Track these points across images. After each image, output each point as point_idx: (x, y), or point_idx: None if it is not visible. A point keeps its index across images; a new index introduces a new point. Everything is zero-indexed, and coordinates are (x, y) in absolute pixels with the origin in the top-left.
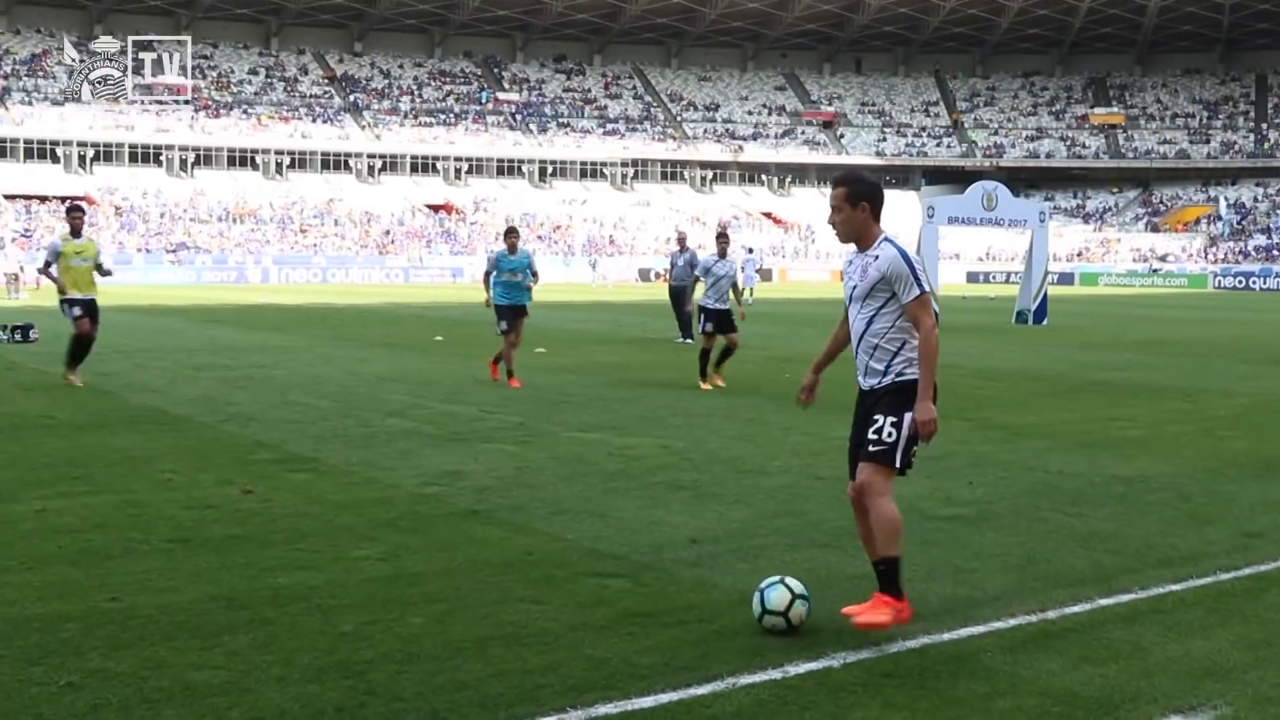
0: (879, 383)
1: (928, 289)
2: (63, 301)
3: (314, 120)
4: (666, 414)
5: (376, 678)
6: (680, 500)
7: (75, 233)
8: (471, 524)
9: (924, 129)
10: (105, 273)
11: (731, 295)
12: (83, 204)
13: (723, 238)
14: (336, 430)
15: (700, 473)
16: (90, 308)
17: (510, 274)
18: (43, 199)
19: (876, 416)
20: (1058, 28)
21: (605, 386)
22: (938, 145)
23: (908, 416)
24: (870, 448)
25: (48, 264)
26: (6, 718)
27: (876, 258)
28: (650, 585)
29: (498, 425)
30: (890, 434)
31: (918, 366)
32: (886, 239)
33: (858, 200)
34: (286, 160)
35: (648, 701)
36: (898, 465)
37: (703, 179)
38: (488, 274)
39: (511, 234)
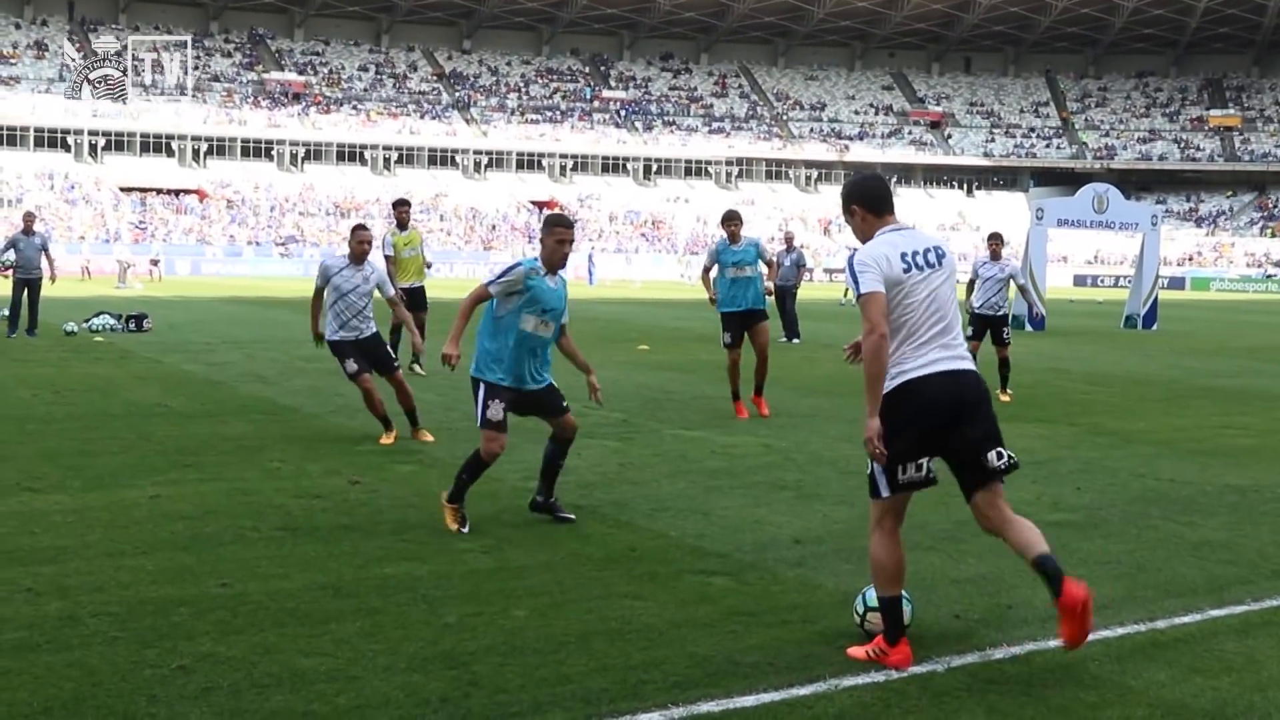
0: None
1: (868, 289)
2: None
3: (422, 117)
4: (771, 412)
5: (480, 669)
6: (783, 500)
7: (402, 225)
8: (577, 519)
9: (1033, 130)
10: (427, 264)
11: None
12: (408, 198)
13: (995, 239)
14: (441, 423)
15: (803, 473)
16: (417, 296)
17: (736, 268)
18: (157, 191)
19: None
20: (1173, 28)
21: (708, 384)
22: (1047, 146)
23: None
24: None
25: (387, 258)
26: (122, 698)
27: None
28: (753, 584)
29: (600, 421)
30: (871, 465)
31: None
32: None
33: (848, 206)
34: (394, 156)
35: (750, 700)
36: (881, 493)
37: (807, 178)
38: (707, 269)
39: (731, 219)
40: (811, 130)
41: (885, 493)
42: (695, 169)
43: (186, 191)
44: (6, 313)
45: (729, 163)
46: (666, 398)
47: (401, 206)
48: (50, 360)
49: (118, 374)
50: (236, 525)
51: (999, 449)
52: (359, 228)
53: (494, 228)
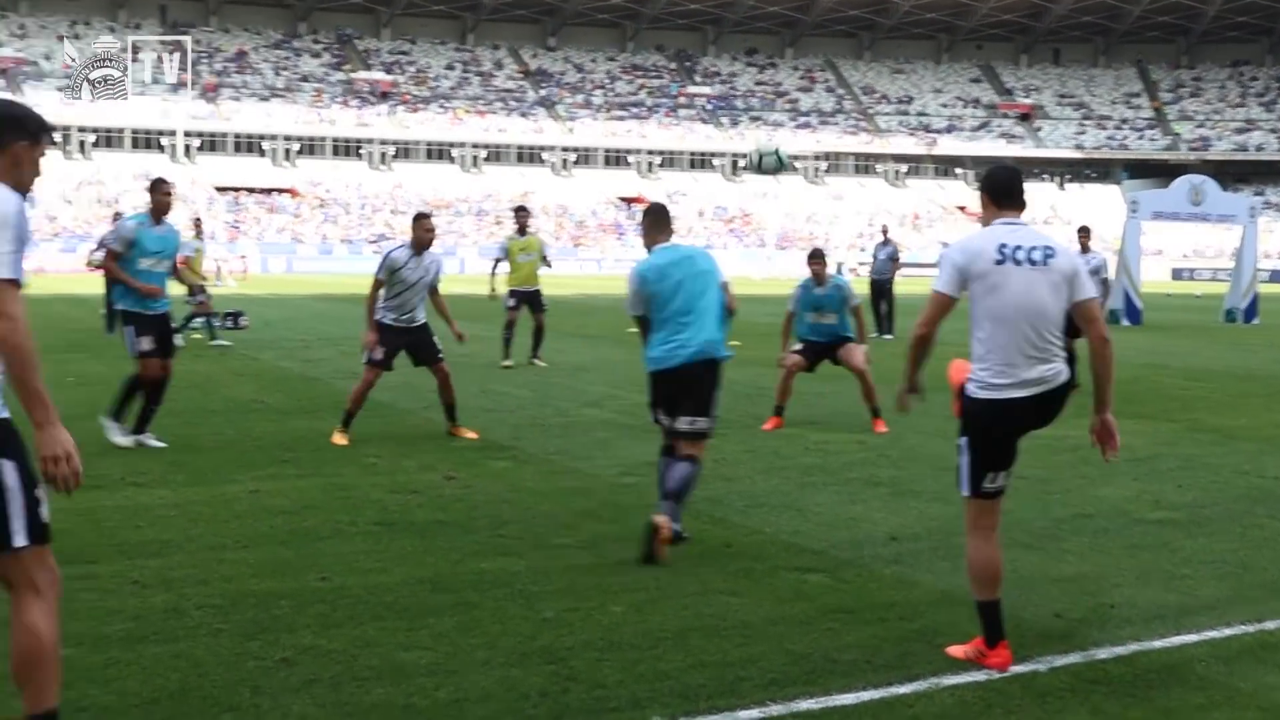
0: None
1: (937, 286)
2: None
3: (509, 114)
4: (864, 409)
5: (578, 664)
6: (879, 496)
7: (521, 230)
8: None
9: (1125, 121)
10: (547, 264)
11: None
12: (527, 206)
13: (1084, 232)
14: (535, 419)
15: (899, 469)
16: (533, 299)
17: (818, 313)
18: (249, 191)
19: None
20: (1268, 15)
21: (800, 380)
22: (1139, 138)
23: (964, 439)
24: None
25: (498, 261)
26: (227, 689)
27: None
28: (850, 581)
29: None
30: (958, 464)
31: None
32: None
33: (981, 194)
34: (482, 154)
35: (849, 698)
36: (966, 491)
37: (896, 172)
38: (791, 317)
39: (816, 258)
40: (899, 124)
41: (966, 490)
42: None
43: (279, 190)
44: (103, 311)
45: (816, 157)
46: (759, 393)
47: (522, 213)
48: None
49: (216, 371)
50: (334, 520)
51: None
52: (423, 216)
53: (582, 224)
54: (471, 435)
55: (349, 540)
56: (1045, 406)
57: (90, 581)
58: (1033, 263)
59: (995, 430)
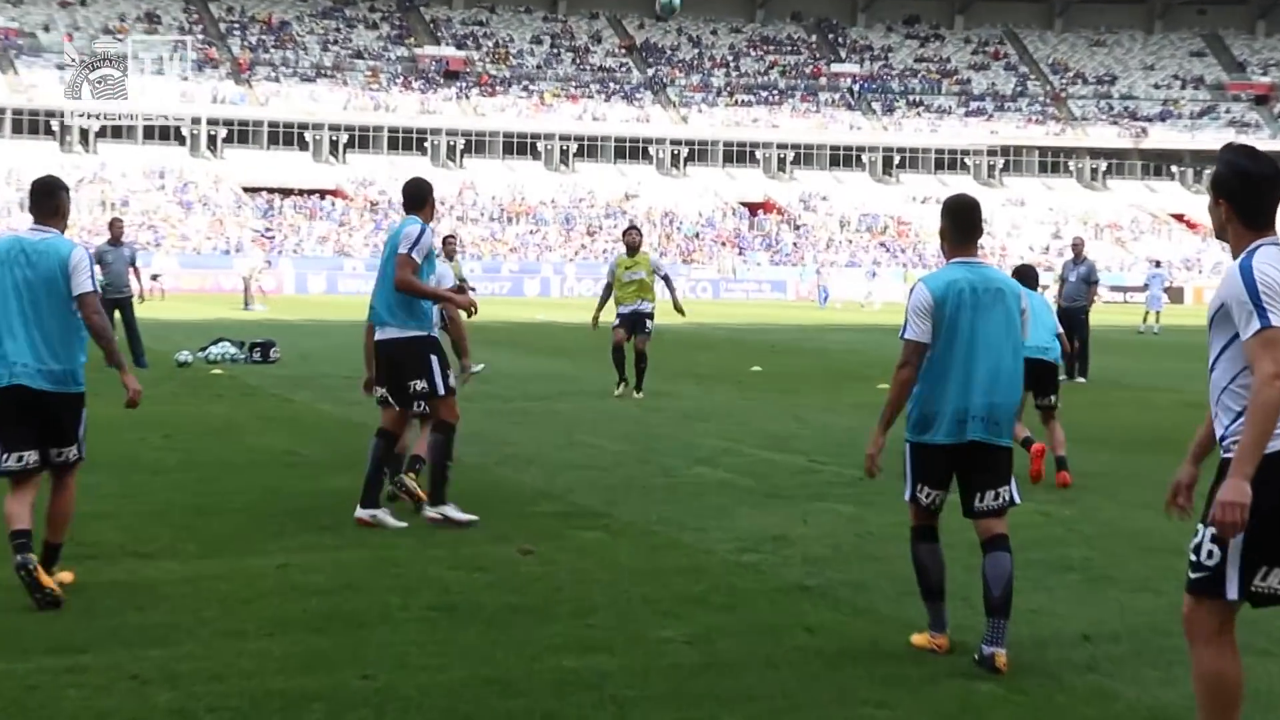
0: (1223, 457)
1: (1277, 323)
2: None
3: (607, 99)
4: (1049, 471)
5: None
6: (1068, 584)
7: (631, 250)
8: (800, 603)
9: None
10: (664, 277)
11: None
12: (637, 224)
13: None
14: (634, 479)
15: (1093, 549)
16: (631, 319)
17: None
18: (286, 192)
19: (1200, 524)
20: None
21: None
22: None
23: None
24: (1189, 570)
25: (609, 287)
26: None
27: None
28: (1031, 693)
29: (832, 480)
30: (1211, 552)
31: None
32: (1252, 249)
33: (1216, 194)
34: (573, 147)
35: None
36: (1231, 595)
37: (1093, 171)
38: None
39: (1025, 273)
40: (1098, 110)
41: (1234, 594)
42: (949, 161)
43: (322, 192)
44: None
45: (991, 152)
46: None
47: (632, 232)
48: (159, 396)
49: (240, 414)
50: (382, 602)
51: None
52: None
53: (697, 236)
54: (419, 495)
55: (399, 628)
56: None
57: (79, 675)
58: None
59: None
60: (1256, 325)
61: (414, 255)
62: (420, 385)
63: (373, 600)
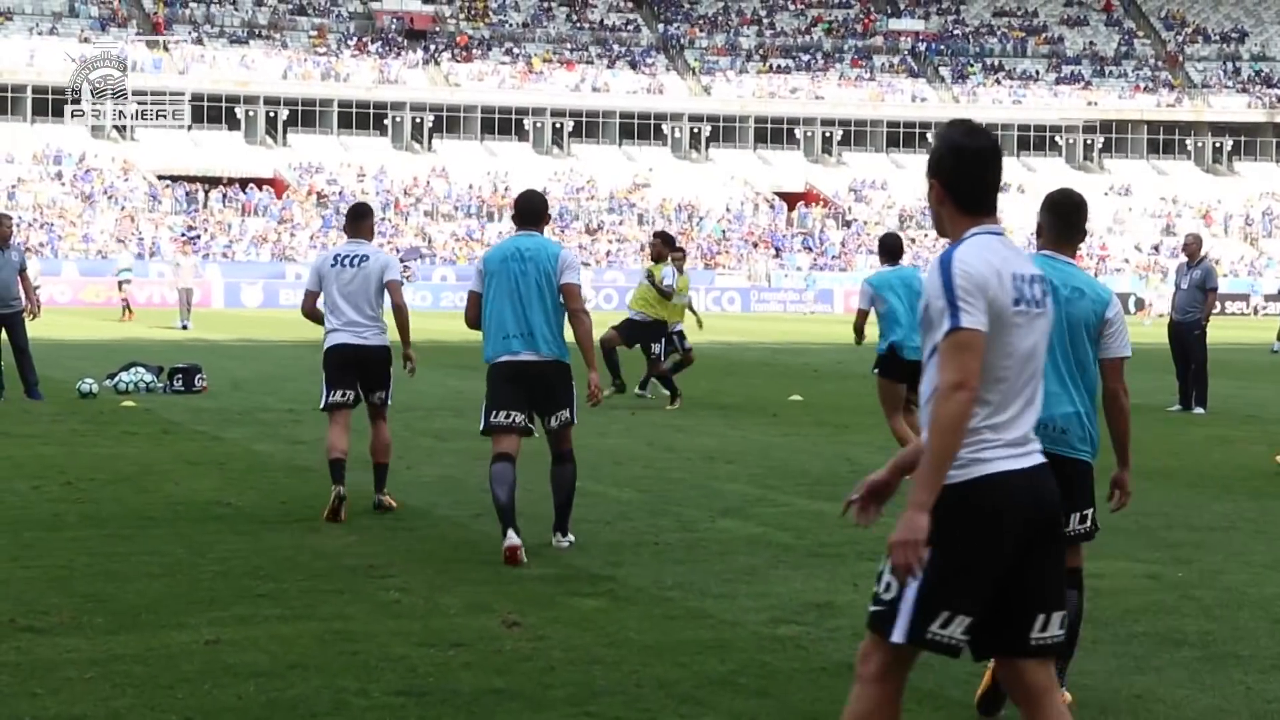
0: None
1: (971, 325)
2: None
3: (611, 65)
4: (1158, 524)
5: None
6: (1181, 663)
7: (657, 258)
8: (849, 686)
9: None
10: (662, 292)
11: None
12: (671, 235)
13: None
14: (644, 535)
15: (1213, 620)
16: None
17: None
18: (212, 182)
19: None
20: None
21: None
22: None
23: (925, 553)
24: (871, 603)
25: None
26: None
27: None
28: None
29: (887, 535)
30: (889, 585)
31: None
32: (963, 238)
33: (929, 175)
34: (569, 125)
35: None
36: (896, 638)
37: (1216, 151)
38: None
39: (890, 246)
40: (1223, 75)
41: (899, 637)
42: (1036, 139)
43: (258, 181)
44: None
45: (1089, 128)
46: None
47: (660, 241)
48: (58, 435)
49: (158, 456)
50: (335, 687)
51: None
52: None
53: (724, 236)
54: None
55: (357, 718)
56: None
57: None
58: None
59: None
60: (946, 326)
61: None
62: (566, 415)
63: (324, 684)
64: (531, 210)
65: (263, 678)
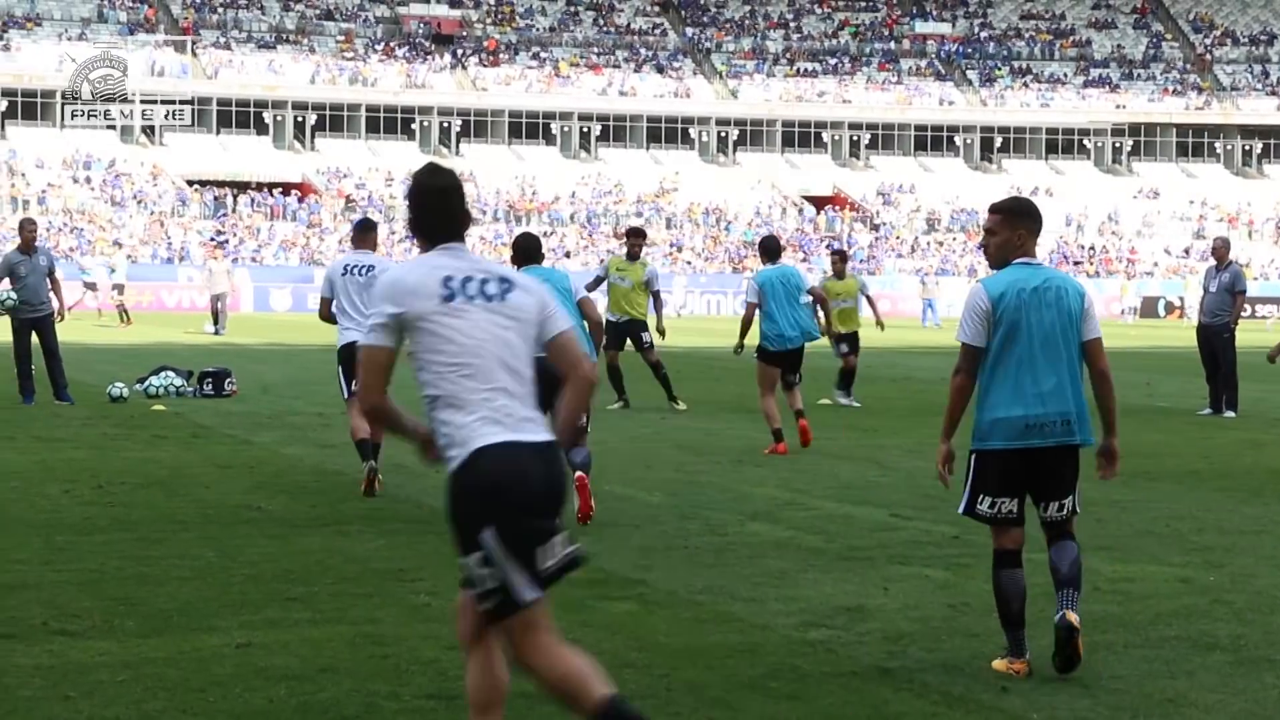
0: None
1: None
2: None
3: (638, 69)
4: (1189, 528)
5: None
6: (1213, 667)
7: (631, 255)
8: (881, 689)
9: None
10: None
11: None
12: (643, 229)
13: None
14: (674, 538)
15: (1245, 624)
16: (622, 329)
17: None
18: (241, 186)
19: None
20: None
21: (1087, 482)
22: None
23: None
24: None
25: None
26: None
27: None
28: None
29: (917, 537)
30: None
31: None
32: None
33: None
34: (596, 129)
35: None
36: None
37: (1246, 153)
38: None
39: (768, 247)
40: (1253, 77)
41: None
42: (1064, 142)
43: (286, 186)
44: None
45: (1118, 131)
46: None
47: (635, 239)
48: (89, 439)
49: (188, 460)
50: (366, 690)
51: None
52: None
53: (749, 242)
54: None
55: None
56: None
57: None
58: None
59: None
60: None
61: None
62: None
63: (355, 687)
64: (530, 249)
65: (294, 681)
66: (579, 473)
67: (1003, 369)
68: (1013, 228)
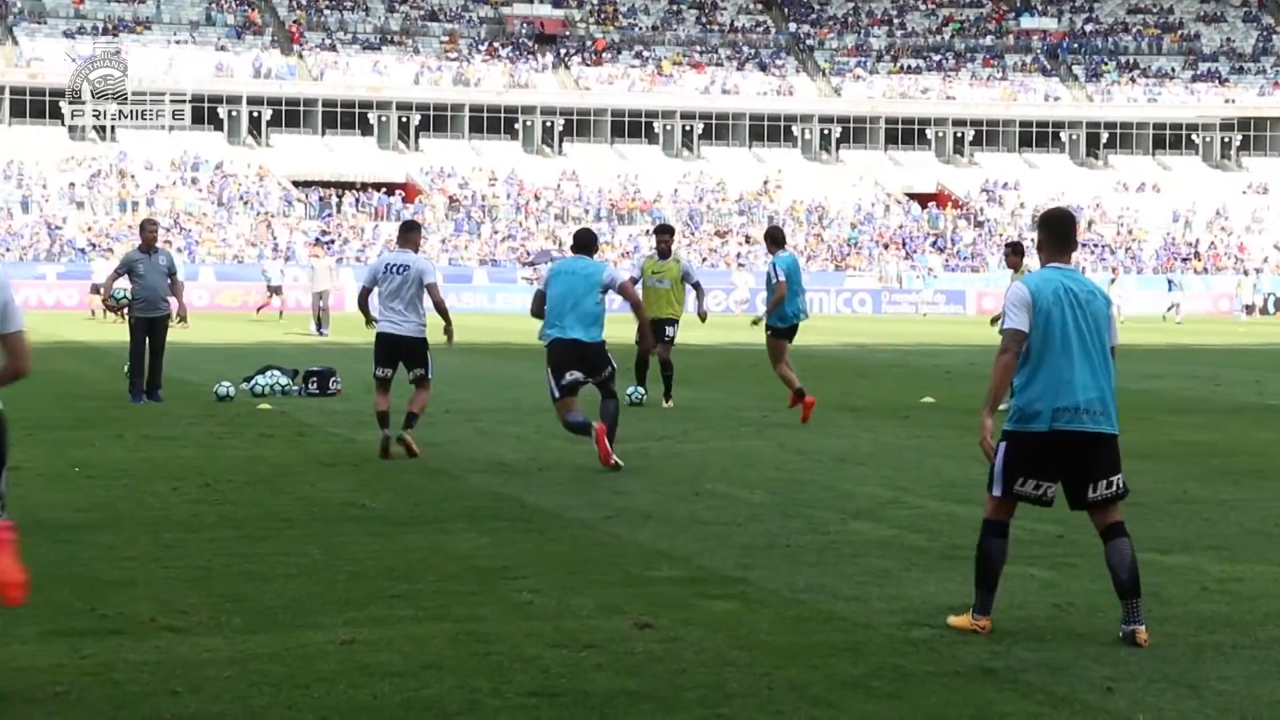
0: None
1: None
2: None
3: (740, 67)
4: None
5: None
6: None
7: (662, 254)
8: (984, 689)
9: None
10: (695, 288)
11: None
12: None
13: None
14: (775, 537)
15: None
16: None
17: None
18: (346, 187)
19: None
20: None
21: (1195, 481)
22: None
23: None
24: None
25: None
26: None
27: None
28: None
29: (1021, 536)
30: None
31: None
32: None
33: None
34: (699, 128)
35: None
36: None
37: None
38: None
39: (774, 235)
40: None
41: None
42: (1171, 138)
43: (390, 186)
44: (126, 369)
45: (1227, 126)
46: (1131, 501)
47: (664, 236)
48: (195, 438)
49: (293, 458)
50: (468, 687)
51: None
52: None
53: (852, 242)
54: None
55: (491, 718)
56: None
57: None
58: None
59: None
60: None
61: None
62: (609, 371)
63: (457, 685)
64: (581, 241)
65: (397, 678)
66: (598, 423)
67: (1038, 359)
68: (1039, 235)
